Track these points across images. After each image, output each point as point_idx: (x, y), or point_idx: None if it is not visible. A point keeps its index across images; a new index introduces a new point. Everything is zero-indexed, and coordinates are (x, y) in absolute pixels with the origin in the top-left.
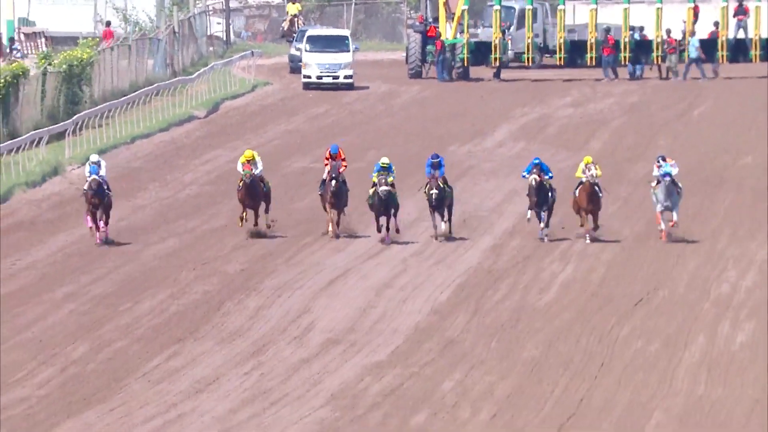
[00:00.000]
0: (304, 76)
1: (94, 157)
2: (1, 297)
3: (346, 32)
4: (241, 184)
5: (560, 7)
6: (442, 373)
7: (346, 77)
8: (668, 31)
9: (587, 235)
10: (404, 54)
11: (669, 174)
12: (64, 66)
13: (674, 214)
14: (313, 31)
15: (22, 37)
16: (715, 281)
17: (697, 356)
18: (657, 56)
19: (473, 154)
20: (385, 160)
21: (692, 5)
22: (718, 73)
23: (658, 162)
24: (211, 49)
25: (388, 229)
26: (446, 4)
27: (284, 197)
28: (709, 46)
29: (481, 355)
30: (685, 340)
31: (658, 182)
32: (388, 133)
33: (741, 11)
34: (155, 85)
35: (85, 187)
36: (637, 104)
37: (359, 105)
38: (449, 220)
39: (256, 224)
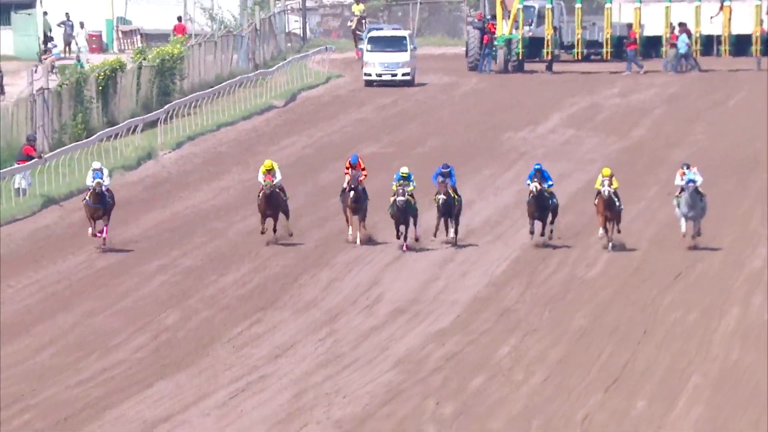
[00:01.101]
0: (365, 74)
1: (96, 164)
2: (99, 270)
3: (405, 33)
4: (261, 194)
5: (607, 5)
6: (498, 339)
7: (404, 75)
8: (673, 27)
9: (610, 243)
10: (464, 49)
11: (693, 181)
12: (157, 60)
13: (696, 223)
14: (374, 33)
15: (120, 34)
16: (748, 257)
17: (732, 325)
18: (696, 50)
19: (527, 141)
20: (404, 170)
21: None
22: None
23: (683, 169)
24: (289, 44)
25: (406, 237)
26: (503, 2)
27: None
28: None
29: (534, 324)
30: (720, 311)
31: (683, 190)
32: (449, 122)
33: None
34: (238, 77)
35: (87, 198)
36: (677, 94)
37: (423, 95)
38: (456, 228)
39: (275, 231)
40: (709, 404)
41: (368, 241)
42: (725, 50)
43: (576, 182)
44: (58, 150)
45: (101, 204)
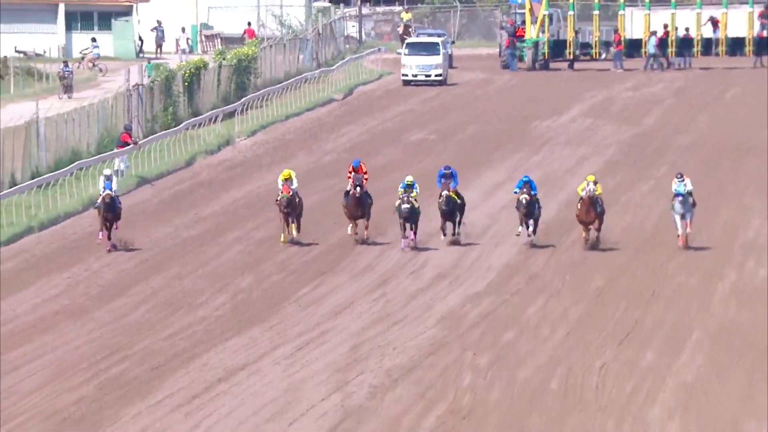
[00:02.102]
0: (403, 74)
1: (107, 171)
2: (185, 239)
3: (437, 39)
4: (279, 201)
5: (620, 12)
6: (526, 300)
7: (436, 75)
8: (654, 32)
9: (589, 243)
10: (497, 50)
11: (680, 194)
12: (234, 60)
13: (689, 223)
14: (411, 39)
15: (203, 38)
16: (743, 228)
17: (729, 287)
18: (696, 51)
19: (551, 129)
20: (409, 178)
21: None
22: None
23: (676, 178)
24: (347, 46)
25: (413, 234)
26: (531, 10)
27: (406, 162)
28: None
29: (558, 286)
30: (719, 274)
31: (676, 196)
32: (484, 112)
33: (765, 14)
34: (303, 74)
35: (98, 202)
36: (683, 88)
37: (461, 90)
38: (459, 226)
39: (298, 230)
40: (708, 355)
41: (369, 240)
42: (722, 51)
43: (594, 165)
44: (151, 137)
45: (111, 209)
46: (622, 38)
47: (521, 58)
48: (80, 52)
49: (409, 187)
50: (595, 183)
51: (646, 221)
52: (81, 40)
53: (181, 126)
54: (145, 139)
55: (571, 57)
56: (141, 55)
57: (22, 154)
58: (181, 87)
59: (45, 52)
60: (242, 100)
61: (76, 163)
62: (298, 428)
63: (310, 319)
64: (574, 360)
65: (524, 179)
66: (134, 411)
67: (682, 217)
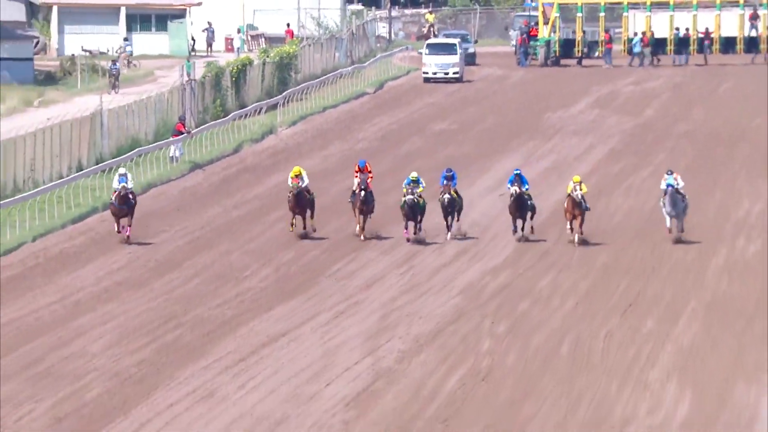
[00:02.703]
0: (424, 72)
1: (122, 170)
2: (233, 219)
3: (455, 41)
4: (290, 195)
5: (624, 14)
6: (539, 274)
7: (454, 73)
8: (642, 33)
9: (576, 237)
10: (513, 48)
11: (671, 185)
12: (277, 58)
13: (679, 221)
14: (431, 41)
15: (249, 38)
16: (734, 209)
17: (722, 262)
18: (693, 49)
19: (562, 119)
20: (414, 174)
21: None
22: (658, 62)
23: (666, 175)
24: (378, 45)
25: (415, 232)
26: (543, 12)
27: (430, 150)
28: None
29: (568, 261)
30: (713, 251)
31: (665, 193)
32: (501, 105)
33: (755, 16)
34: (339, 70)
35: (113, 199)
36: (680, 83)
37: (481, 84)
38: (458, 221)
39: (304, 228)
40: (703, 323)
41: (374, 236)
42: (716, 49)
43: (600, 152)
44: (202, 126)
45: (125, 205)
46: (611, 38)
47: (535, 56)
48: (115, 51)
49: (414, 182)
50: (581, 183)
51: (646, 204)
52: (140, 40)
53: (229, 117)
54: (197, 129)
55: (580, 55)
56: (193, 53)
57: (88, 142)
58: (229, 82)
59: (108, 50)
60: (284, 93)
61: (136, 150)
62: (334, 389)
63: (344, 291)
64: (582, 327)
65: (516, 172)
66: (187, 372)
67: (673, 217)
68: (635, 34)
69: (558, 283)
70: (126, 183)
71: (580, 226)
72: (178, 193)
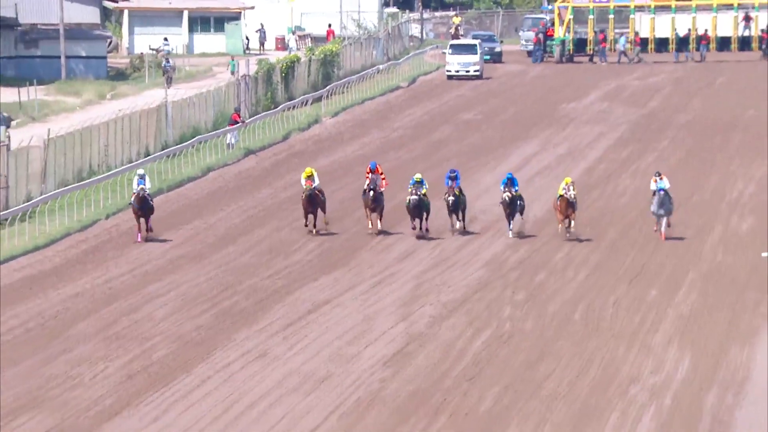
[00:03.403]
0: (447, 70)
1: (140, 171)
2: (283, 199)
3: (475, 42)
4: (303, 196)
5: (631, 16)
6: (555, 248)
7: (474, 71)
8: (622, 34)
9: (567, 234)
10: (530, 47)
11: (663, 189)
12: (321, 55)
13: (665, 220)
14: (453, 41)
15: (297, 37)
16: (729, 190)
17: (717, 237)
18: (692, 47)
19: (575, 110)
20: (417, 176)
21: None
22: (641, 59)
23: (655, 177)
24: (411, 44)
25: (420, 228)
26: (559, 14)
27: (459, 136)
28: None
29: (581, 237)
30: (709, 227)
31: (655, 194)
32: (521, 96)
33: (747, 18)
34: (376, 66)
35: (132, 200)
36: (680, 78)
37: (504, 78)
38: (463, 219)
39: (315, 225)
40: (701, 292)
41: (383, 232)
42: (712, 47)
43: (609, 139)
44: (255, 117)
45: (144, 205)
46: (606, 37)
47: (551, 53)
48: (155, 49)
49: (419, 183)
50: (573, 183)
51: (650, 185)
52: (200, 40)
53: (278, 108)
54: (250, 119)
55: (591, 53)
56: (247, 51)
57: (154, 131)
58: (279, 77)
59: (173, 49)
60: (327, 87)
61: (197, 137)
62: (372, 350)
63: (381, 263)
64: (593, 296)
65: (508, 176)
66: (242, 335)
67: (661, 216)
68: (620, 35)
69: (571, 257)
70: (144, 185)
71: (571, 223)
72: (233, 176)
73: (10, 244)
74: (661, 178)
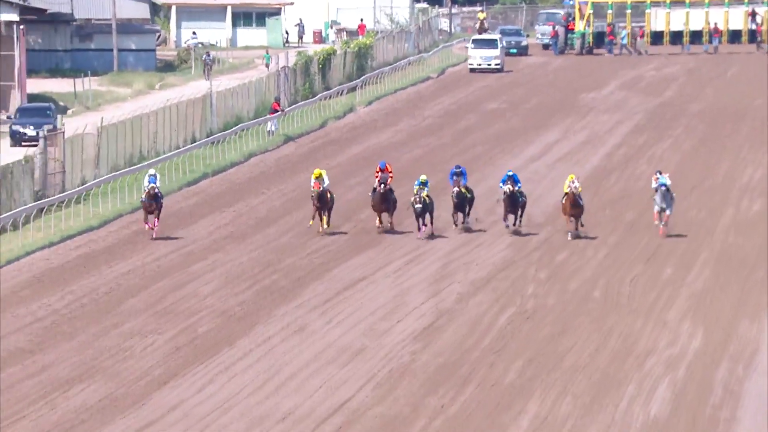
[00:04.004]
0: (470, 64)
1: (151, 170)
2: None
3: (496, 36)
4: (314, 194)
5: (647, 11)
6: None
7: (496, 64)
8: (622, 28)
9: (569, 233)
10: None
11: (664, 184)
12: (356, 48)
13: (668, 212)
14: (475, 36)
15: (336, 32)
16: (740, 175)
17: (728, 219)
18: (705, 40)
19: (594, 99)
20: (423, 177)
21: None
22: (642, 52)
23: (656, 175)
24: (440, 37)
25: (425, 227)
26: (580, 9)
27: (485, 124)
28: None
29: (599, 219)
30: (721, 210)
31: (656, 191)
32: (544, 86)
33: (753, 13)
34: (407, 58)
35: (143, 197)
36: (694, 68)
37: (527, 69)
38: (468, 216)
39: (321, 222)
40: (712, 270)
41: (392, 230)
42: (724, 40)
43: (626, 127)
44: (294, 106)
45: (155, 201)
46: (614, 31)
47: (572, 46)
48: (185, 42)
49: (423, 185)
50: (577, 180)
51: (665, 170)
52: (243, 33)
53: (316, 97)
54: (289, 107)
55: (632, 45)
56: (286, 44)
57: (200, 119)
58: (316, 68)
59: (217, 42)
60: (362, 78)
61: (239, 125)
62: (403, 325)
63: (411, 244)
64: (611, 274)
65: (509, 173)
66: (282, 311)
67: (663, 210)
68: (622, 29)
69: (591, 238)
70: (155, 183)
71: (578, 222)
72: (273, 161)
73: (66, 224)
74: (662, 174)
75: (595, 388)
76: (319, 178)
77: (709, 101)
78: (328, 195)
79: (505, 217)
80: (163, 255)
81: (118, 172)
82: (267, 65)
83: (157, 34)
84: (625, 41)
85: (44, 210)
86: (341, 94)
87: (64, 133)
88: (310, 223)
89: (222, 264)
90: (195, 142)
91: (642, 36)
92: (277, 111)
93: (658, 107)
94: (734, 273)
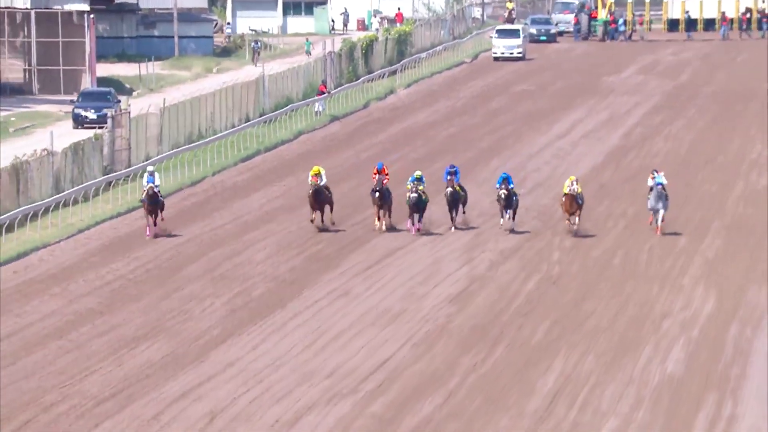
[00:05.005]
0: (493, 53)
1: (150, 168)
2: (363, 159)
3: (518, 27)
4: (310, 191)
5: (665, 0)
6: (596, 202)
7: (518, 53)
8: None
9: (575, 227)
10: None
11: (661, 183)
12: (396, 35)
13: (662, 214)
14: (499, 26)
15: (379, 20)
16: (749, 152)
17: (738, 192)
18: (717, 28)
19: (615, 82)
20: (418, 173)
21: None
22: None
23: (653, 174)
24: (473, 24)
25: (419, 221)
26: (602, 0)
27: (514, 105)
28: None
29: (619, 193)
30: (732, 183)
31: (651, 189)
32: (568, 71)
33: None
34: (443, 44)
35: (143, 197)
36: (708, 54)
37: (553, 55)
38: (463, 214)
39: (322, 222)
40: (724, 239)
41: (391, 228)
42: (735, 27)
43: (644, 108)
44: (339, 88)
45: (154, 202)
46: (616, 19)
47: (595, 33)
48: (222, 29)
49: (418, 180)
50: (576, 182)
51: (681, 148)
52: (292, 21)
53: (359, 80)
54: (335, 89)
55: (629, 33)
56: (332, 32)
57: (253, 100)
58: (360, 54)
59: (269, 30)
60: (401, 62)
61: (289, 106)
62: (439, 290)
63: (446, 216)
64: (630, 244)
65: (503, 176)
66: (328, 277)
67: (656, 210)
68: (621, 16)
69: (611, 209)
70: (153, 182)
71: (578, 218)
72: (320, 139)
73: (132, 197)
74: (658, 173)
75: (616, 347)
76: (317, 175)
77: (720, 84)
78: (326, 192)
79: (501, 214)
80: (219, 225)
81: (178, 149)
82: (308, 53)
83: (214, 23)
84: (623, 29)
85: (112, 183)
86: (383, 77)
87: (130, 113)
88: (312, 219)
89: (273, 233)
90: (249, 121)
91: (641, 24)
92: (324, 93)
93: (674, 89)
94: (744, 242)
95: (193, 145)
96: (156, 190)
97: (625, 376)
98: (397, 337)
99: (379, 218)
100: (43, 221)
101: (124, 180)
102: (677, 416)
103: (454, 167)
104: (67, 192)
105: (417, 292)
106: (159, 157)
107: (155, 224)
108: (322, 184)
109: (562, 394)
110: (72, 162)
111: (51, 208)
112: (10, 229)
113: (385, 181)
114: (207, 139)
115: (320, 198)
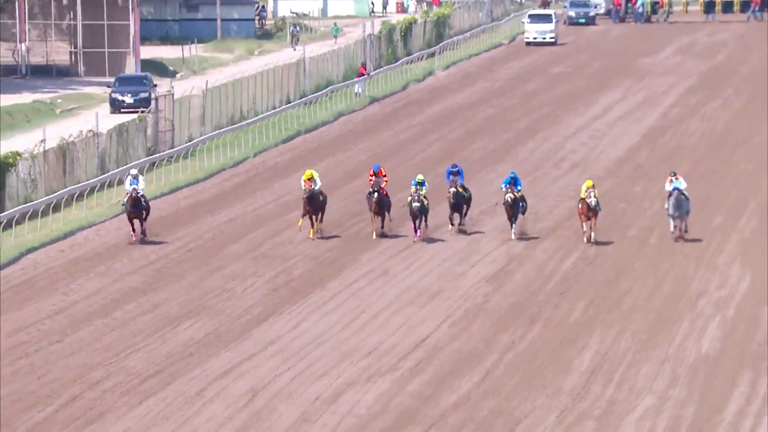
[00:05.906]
0: (526, 38)
1: (133, 171)
2: (401, 140)
3: (550, 12)
4: (304, 197)
5: None
6: (633, 182)
7: (551, 38)
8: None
9: (585, 237)
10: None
11: (678, 188)
12: (435, 17)
13: (682, 223)
14: (532, 11)
15: (415, 2)
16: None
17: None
18: (736, 9)
19: (651, 63)
20: (420, 177)
21: None
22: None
23: (671, 177)
24: (511, 6)
25: (420, 228)
26: None
27: (551, 86)
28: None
29: (655, 173)
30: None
31: (670, 195)
32: (605, 52)
33: None
34: (482, 26)
35: (124, 201)
36: (743, 35)
37: (591, 37)
38: (464, 217)
39: (312, 226)
40: (759, 219)
41: (390, 233)
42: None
43: (681, 88)
44: (378, 70)
45: (137, 208)
46: (637, 2)
47: (632, 16)
48: (257, 13)
49: (420, 185)
50: (594, 188)
51: (716, 127)
52: (333, 4)
53: (398, 62)
54: (374, 71)
55: (666, 15)
56: (372, 14)
57: (294, 82)
58: (399, 36)
59: (310, 12)
60: (440, 44)
61: (329, 87)
62: (477, 269)
63: (483, 196)
64: (666, 223)
65: (511, 175)
66: (367, 257)
67: (676, 218)
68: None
69: (647, 189)
70: (137, 185)
71: (593, 226)
72: (360, 120)
73: (176, 177)
74: (676, 178)
75: (651, 326)
76: (310, 179)
77: (755, 65)
78: (320, 197)
79: (509, 220)
80: (261, 205)
81: (221, 130)
82: (335, 36)
83: (256, 6)
84: (641, 10)
85: (156, 164)
86: (421, 59)
87: (173, 94)
88: (299, 223)
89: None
90: (289, 102)
91: (661, 6)
92: (364, 75)
93: (710, 70)
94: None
95: (235, 126)
96: (139, 194)
97: (660, 354)
98: (435, 316)
99: (374, 223)
100: (88, 201)
101: (167, 161)
102: (712, 394)
103: (456, 167)
104: (112, 172)
105: (455, 271)
106: (202, 138)
107: (142, 230)
108: (316, 189)
109: (598, 372)
110: (117, 143)
111: (96, 188)
112: (56, 208)
113: (383, 185)
114: (248, 121)
115: (314, 203)
